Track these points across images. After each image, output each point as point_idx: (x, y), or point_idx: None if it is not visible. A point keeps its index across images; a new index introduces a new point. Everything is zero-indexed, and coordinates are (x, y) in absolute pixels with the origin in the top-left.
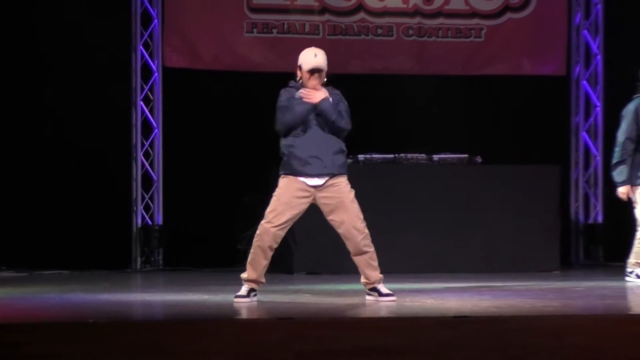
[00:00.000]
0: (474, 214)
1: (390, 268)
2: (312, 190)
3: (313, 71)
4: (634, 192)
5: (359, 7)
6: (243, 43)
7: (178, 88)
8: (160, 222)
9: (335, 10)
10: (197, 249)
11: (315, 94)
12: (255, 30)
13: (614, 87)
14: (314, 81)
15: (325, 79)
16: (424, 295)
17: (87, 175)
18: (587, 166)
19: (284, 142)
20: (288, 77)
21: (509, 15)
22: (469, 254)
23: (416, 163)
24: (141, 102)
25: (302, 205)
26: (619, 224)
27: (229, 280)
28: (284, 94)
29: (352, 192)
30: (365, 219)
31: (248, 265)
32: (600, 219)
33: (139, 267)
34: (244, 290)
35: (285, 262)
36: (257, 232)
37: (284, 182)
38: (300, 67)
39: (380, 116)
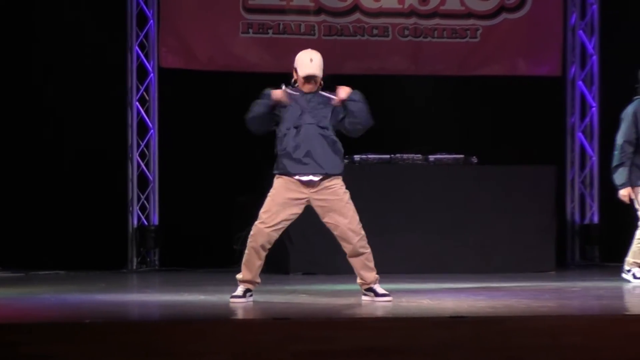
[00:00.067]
0: (469, 215)
1: (386, 268)
2: (307, 191)
3: (308, 78)
4: (635, 194)
5: (355, 8)
6: (239, 43)
7: (174, 88)
8: (156, 222)
9: (331, 10)
10: (193, 249)
11: (341, 91)
12: (250, 30)
13: (610, 87)
14: (309, 86)
15: (322, 83)
16: (420, 296)
17: (82, 176)
18: (582, 167)
19: (278, 141)
20: (284, 77)
21: (504, 15)
22: (465, 254)
23: (412, 163)
24: (137, 103)
25: (296, 208)
26: (615, 225)
27: (225, 281)
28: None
29: (347, 194)
30: (361, 219)
31: (243, 266)
32: (596, 219)
33: (135, 267)
34: (240, 290)
35: (281, 262)
36: (251, 232)
37: (278, 182)
38: (296, 70)
39: (376, 117)
